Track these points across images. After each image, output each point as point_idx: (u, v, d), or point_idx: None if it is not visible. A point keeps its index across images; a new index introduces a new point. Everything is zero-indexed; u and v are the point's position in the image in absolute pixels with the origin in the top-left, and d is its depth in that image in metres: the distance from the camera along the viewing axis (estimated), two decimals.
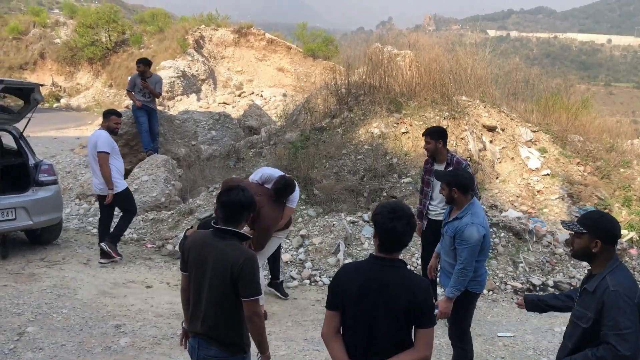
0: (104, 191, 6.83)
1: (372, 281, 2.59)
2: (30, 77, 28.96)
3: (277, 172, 5.76)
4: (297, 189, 5.78)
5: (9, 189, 7.17)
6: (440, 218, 5.12)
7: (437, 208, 5.47)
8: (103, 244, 6.96)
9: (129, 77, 10.55)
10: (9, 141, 7.85)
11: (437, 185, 5.12)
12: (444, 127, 9.15)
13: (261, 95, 24.83)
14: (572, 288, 5.36)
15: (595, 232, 2.76)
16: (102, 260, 6.98)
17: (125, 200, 7.07)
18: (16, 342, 4.86)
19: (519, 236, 7.37)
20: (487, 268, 6.86)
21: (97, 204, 8.10)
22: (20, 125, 7.60)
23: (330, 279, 5.57)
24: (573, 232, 2.86)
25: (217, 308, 3.00)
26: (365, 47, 13.28)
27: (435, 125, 9.09)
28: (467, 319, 4.20)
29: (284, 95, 23.96)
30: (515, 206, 8.38)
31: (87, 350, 4.81)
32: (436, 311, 3.93)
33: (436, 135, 5.42)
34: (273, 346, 5.02)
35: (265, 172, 5.72)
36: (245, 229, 3.94)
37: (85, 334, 5.11)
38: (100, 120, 7.74)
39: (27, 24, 31.24)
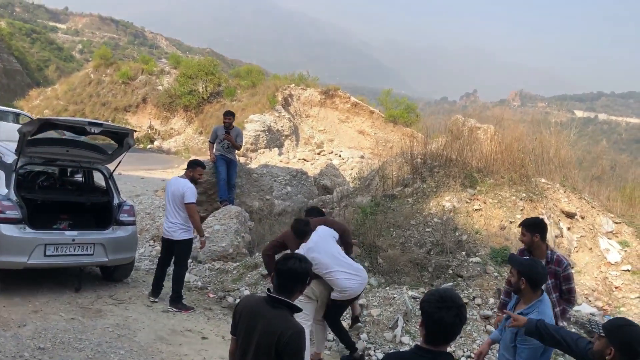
0: (174, 236, 7.01)
1: None
2: (132, 119, 30.96)
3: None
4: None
5: (92, 225, 7.48)
6: None
7: None
8: (171, 309, 7.02)
9: (212, 130, 10.90)
10: (98, 179, 8.26)
11: None
12: (520, 207, 8.76)
13: (339, 155, 25.07)
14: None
15: (612, 339, 2.57)
16: (171, 308, 7.04)
17: (188, 252, 7.25)
18: None
19: (591, 334, 6.75)
20: None
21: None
22: (111, 166, 8.01)
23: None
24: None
25: None
26: (446, 118, 13.12)
27: (510, 203, 8.73)
28: None
29: (362, 157, 24.06)
30: (590, 301, 7.74)
31: None
32: None
33: (532, 228, 4.71)
34: None
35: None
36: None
37: None
38: (184, 163, 8.05)
39: (136, 71, 33.69)
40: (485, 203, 8.78)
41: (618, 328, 2.59)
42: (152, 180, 16.25)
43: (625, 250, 8.55)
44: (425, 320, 2.47)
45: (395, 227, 8.40)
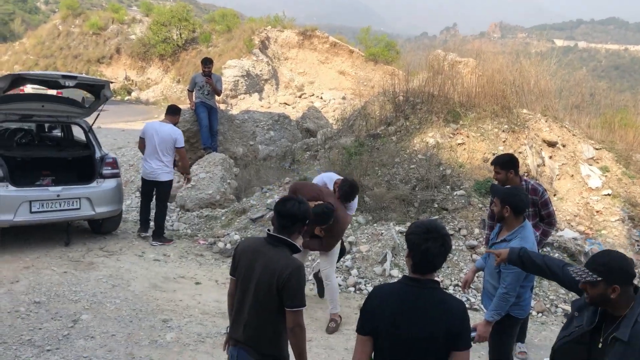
0: (160, 177, 7.54)
1: (407, 305, 2.47)
2: (106, 71, 30.18)
3: (336, 177, 5.93)
4: (357, 197, 5.88)
5: (75, 179, 7.43)
6: None
7: None
8: (155, 243, 7.56)
9: (190, 77, 10.73)
10: (78, 134, 8.14)
11: None
12: (503, 139, 8.84)
13: (321, 98, 24.89)
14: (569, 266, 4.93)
15: (610, 278, 2.46)
16: (155, 243, 7.56)
17: (170, 191, 7.77)
18: (70, 329, 5.00)
19: (574, 257, 6.99)
20: (538, 288, 6.55)
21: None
22: (90, 120, 7.88)
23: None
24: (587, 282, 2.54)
25: (260, 316, 2.94)
26: (427, 53, 12.95)
27: (492, 135, 8.80)
28: (508, 344, 4.02)
29: (343, 98, 23.91)
30: (572, 226, 7.96)
31: (135, 342, 4.89)
32: (474, 334, 3.73)
33: (507, 165, 4.78)
34: (313, 354, 4.96)
35: (326, 177, 5.93)
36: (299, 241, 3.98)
37: (134, 326, 5.20)
38: (164, 113, 8.07)
39: (107, 20, 32.57)
40: (468, 137, 8.83)
41: (609, 265, 2.49)
42: (132, 132, 16.03)
43: (606, 175, 8.73)
44: (412, 251, 2.52)
45: (380, 166, 8.46)
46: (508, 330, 3.96)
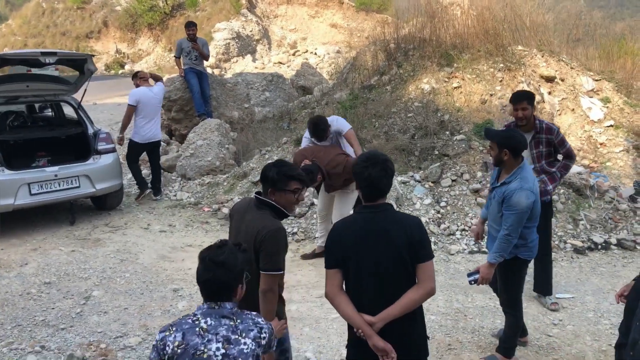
0: (160, 137, 8.36)
1: (366, 229, 2.59)
2: (96, 45, 29.71)
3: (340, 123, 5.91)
4: (334, 117, 5.98)
5: (72, 158, 7.37)
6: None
7: None
8: (158, 197, 8.25)
9: (176, 44, 10.53)
10: (69, 112, 8.04)
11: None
12: (499, 79, 8.67)
13: (315, 53, 24.44)
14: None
15: None
16: (158, 197, 8.21)
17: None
18: (82, 306, 5.04)
19: (580, 192, 6.92)
20: None
21: None
22: (77, 96, 7.75)
23: None
24: None
25: None
26: None
27: (488, 75, 8.62)
28: (517, 286, 3.99)
29: (338, 52, 23.47)
30: (577, 160, 7.87)
31: (148, 314, 4.93)
32: (476, 276, 3.80)
33: (534, 100, 4.65)
34: (325, 309, 4.97)
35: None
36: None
37: (146, 298, 5.23)
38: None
39: None
40: (463, 80, 8.66)
41: None
42: None
43: (607, 107, 8.58)
44: (357, 181, 2.65)
45: (377, 117, 8.34)
46: (517, 272, 3.94)
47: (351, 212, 5.68)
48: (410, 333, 2.63)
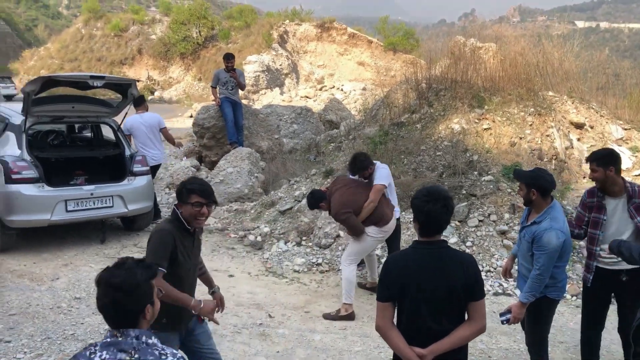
0: (163, 160, 8.81)
1: (425, 265, 2.61)
2: (129, 72, 30.57)
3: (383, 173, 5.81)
4: (382, 166, 5.83)
5: (108, 178, 7.56)
6: (617, 267, 4.00)
7: (607, 255, 3.99)
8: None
9: (213, 74, 10.84)
10: (107, 133, 8.27)
11: (613, 225, 3.99)
12: (529, 123, 8.71)
13: (342, 89, 24.82)
14: None
15: None
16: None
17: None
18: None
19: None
20: (571, 272, 6.46)
21: None
22: (118, 119, 8.00)
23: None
24: None
25: None
26: (447, 40, 12.86)
27: (519, 119, 8.67)
28: (545, 327, 3.96)
29: (364, 89, 23.82)
30: None
31: None
32: (508, 316, 3.78)
33: (605, 161, 3.94)
34: (349, 342, 4.99)
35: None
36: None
37: None
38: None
39: (127, 22, 33.01)
40: (494, 122, 8.73)
41: None
42: None
43: (636, 156, 8.55)
44: (416, 215, 2.66)
45: (406, 154, 8.42)
46: (545, 312, 3.92)
47: (353, 254, 5.66)
48: None
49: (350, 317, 5.47)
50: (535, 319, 3.92)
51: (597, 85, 10.33)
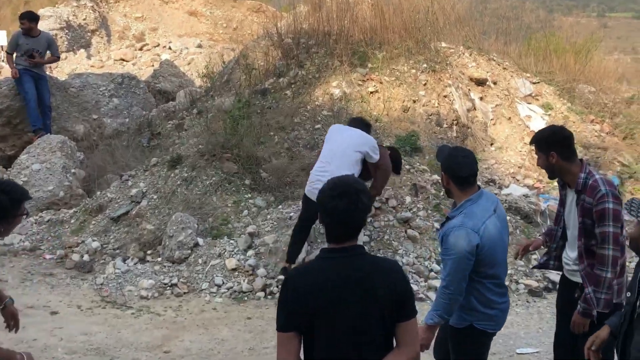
0: None
1: (339, 279, 2.55)
2: None
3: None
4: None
5: None
6: (575, 278, 4.07)
7: (570, 262, 4.10)
8: None
9: (11, 36, 10.27)
10: None
11: (570, 221, 4.06)
12: (423, 82, 9.19)
13: (169, 48, 24.35)
14: None
15: None
16: None
17: None
18: None
19: (529, 219, 7.47)
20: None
21: None
22: None
23: None
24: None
25: None
26: None
27: (410, 78, 9.12)
28: None
29: (199, 46, 23.61)
30: (518, 180, 8.53)
31: None
32: None
33: (543, 144, 3.95)
34: None
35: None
36: None
37: None
38: None
39: None
40: (381, 83, 9.12)
41: None
42: None
43: (549, 114, 9.41)
44: (320, 214, 2.67)
45: (276, 130, 8.52)
46: (470, 346, 3.75)
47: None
48: None
49: None
50: (458, 355, 3.78)
51: (497, 31, 11.09)
